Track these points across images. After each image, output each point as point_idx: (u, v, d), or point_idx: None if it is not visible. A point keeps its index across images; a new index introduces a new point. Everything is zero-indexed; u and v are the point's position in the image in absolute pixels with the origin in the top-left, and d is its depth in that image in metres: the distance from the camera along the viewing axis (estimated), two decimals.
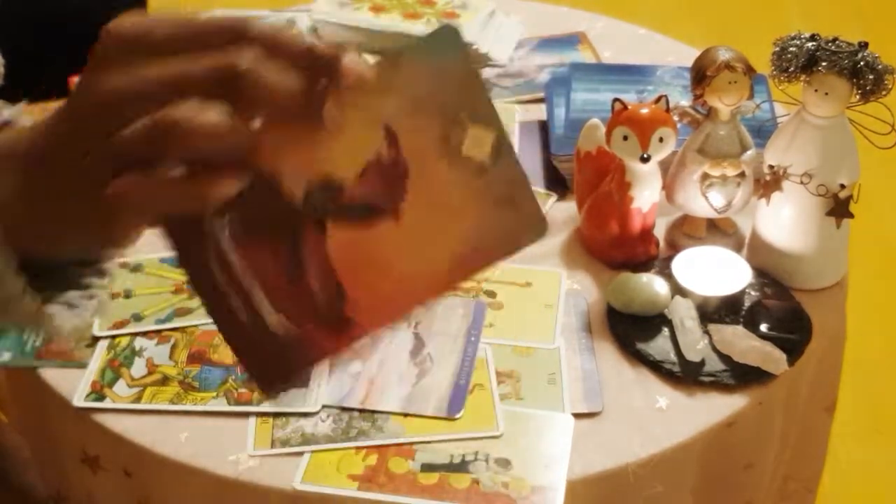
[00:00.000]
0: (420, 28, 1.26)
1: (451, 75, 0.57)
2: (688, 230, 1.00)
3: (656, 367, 0.88)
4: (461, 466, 0.79)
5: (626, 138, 0.91)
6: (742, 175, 0.95)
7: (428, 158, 0.57)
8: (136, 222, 0.53)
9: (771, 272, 0.95)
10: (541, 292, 0.95)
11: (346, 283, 0.57)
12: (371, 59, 0.52)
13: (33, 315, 0.55)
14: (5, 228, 0.52)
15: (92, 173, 0.48)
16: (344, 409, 0.84)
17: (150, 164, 0.47)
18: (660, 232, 1.01)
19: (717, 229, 1.00)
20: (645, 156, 0.91)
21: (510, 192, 0.58)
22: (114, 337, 0.90)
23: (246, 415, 0.84)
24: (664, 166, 0.96)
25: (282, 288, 0.57)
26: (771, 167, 0.92)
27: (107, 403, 0.85)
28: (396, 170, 0.56)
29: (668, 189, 0.98)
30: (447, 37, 0.55)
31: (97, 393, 0.85)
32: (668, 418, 0.84)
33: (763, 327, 0.90)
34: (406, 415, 0.83)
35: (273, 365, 0.58)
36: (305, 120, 0.49)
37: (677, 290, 0.92)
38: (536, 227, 0.58)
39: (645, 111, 0.91)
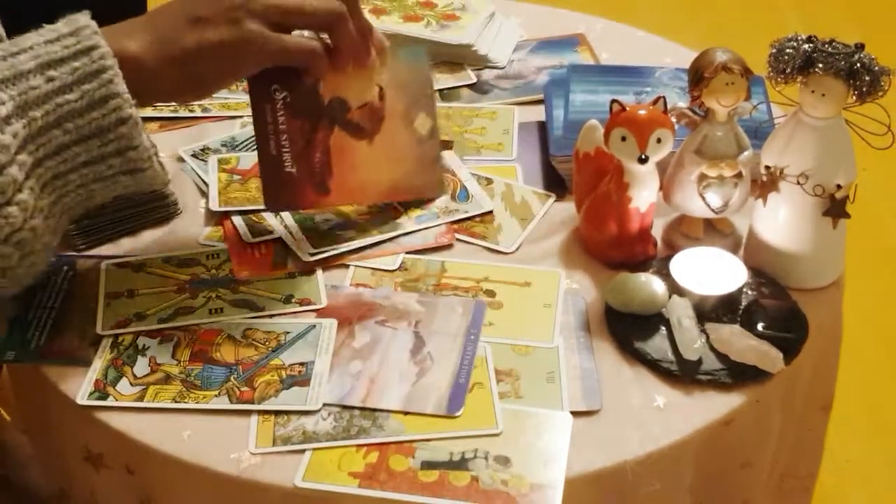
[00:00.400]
0: (419, 29, 1.27)
1: (418, 76, 0.99)
2: (685, 230, 1.00)
3: (654, 365, 0.88)
4: (461, 464, 0.80)
5: (624, 139, 0.91)
6: (739, 176, 0.96)
7: (395, 118, 0.97)
8: (254, 66, 0.88)
9: (768, 272, 0.96)
10: (540, 292, 0.96)
11: (333, 166, 0.96)
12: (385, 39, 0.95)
13: (146, 155, 0.83)
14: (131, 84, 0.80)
15: (247, 23, 0.84)
16: (345, 407, 0.84)
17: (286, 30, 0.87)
18: (657, 232, 1.01)
19: (715, 229, 1.00)
20: (643, 156, 0.91)
21: (431, 161, 1.01)
22: (116, 336, 0.91)
23: (248, 413, 0.84)
24: (662, 167, 0.97)
25: (299, 150, 0.95)
26: (768, 168, 0.93)
27: (109, 402, 0.85)
28: (379, 114, 0.96)
29: (666, 189, 0.99)
30: (422, 52, 1.00)
31: (100, 391, 0.86)
32: (665, 416, 0.85)
33: (760, 326, 0.90)
34: (406, 413, 0.84)
35: (278, 192, 0.97)
36: (355, 57, 0.90)
37: (675, 289, 0.92)
38: (439, 188, 1.03)
39: (643, 112, 0.92)
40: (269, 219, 1.02)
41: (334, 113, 0.95)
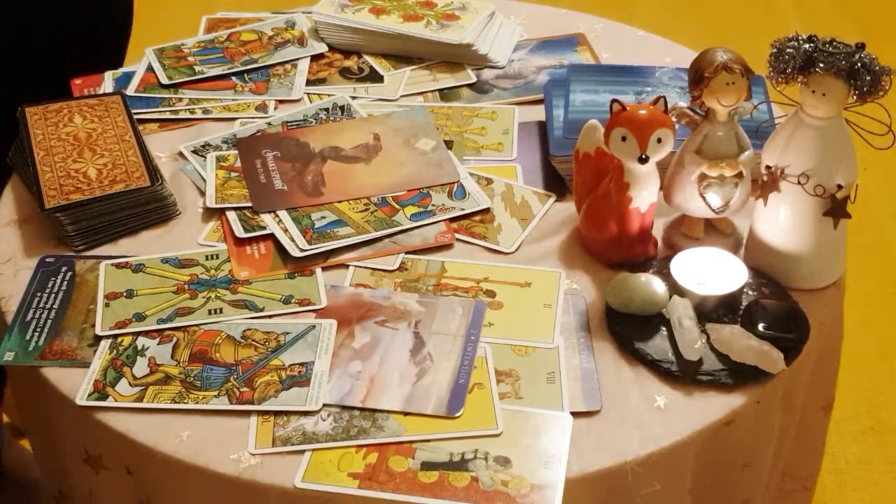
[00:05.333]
0: (419, 29, 1.27)
1: (419, 122, 1.14)
2: (686, 230, 1.00)
3: (654, 366, 0.88)
4: (461, 465, 0.80)
5: (624, 139, 0.91)
6: (740, 176, 0.96)
7: (394, 146, 1.11)
8: None
9: (768, 272, 0.96)
10: (540, 292, 0.96)
11: (327, 180, 1.07)
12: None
13: None
14: None
15: None
16: (344, 407, 0.84)
17: None
18: (658, 232, 1.01)
19: (715, 229, 1.00)
20: (643, 156, 0.91)
21: (438, 162, 1.09)
22: (116, 336, 0.91)
23: (247, 413, 0.84)
24: (662, 167, 0.97)
25: (290, 178, 1.07)
26: (768, 168, 0.92)
27: (109, 402, 0.85)
28: (376, 146, 1.11)
29: (667, 189, 0.99)
30: (423, 111, 1.16)
31: (99, 392, 0.86)
32: (666, 417, 0.85)
33: (760, 327, 0.90)
34: (406, 413, 0.84)
35: (270, 197, 1.04)
36: None
37: (675, 289, 0.92)
38: (452, 175, 1.08)
39: (643, 112, 0.91)
40: (264, 215, 1.02)
41: (326, 154, 1.10)
